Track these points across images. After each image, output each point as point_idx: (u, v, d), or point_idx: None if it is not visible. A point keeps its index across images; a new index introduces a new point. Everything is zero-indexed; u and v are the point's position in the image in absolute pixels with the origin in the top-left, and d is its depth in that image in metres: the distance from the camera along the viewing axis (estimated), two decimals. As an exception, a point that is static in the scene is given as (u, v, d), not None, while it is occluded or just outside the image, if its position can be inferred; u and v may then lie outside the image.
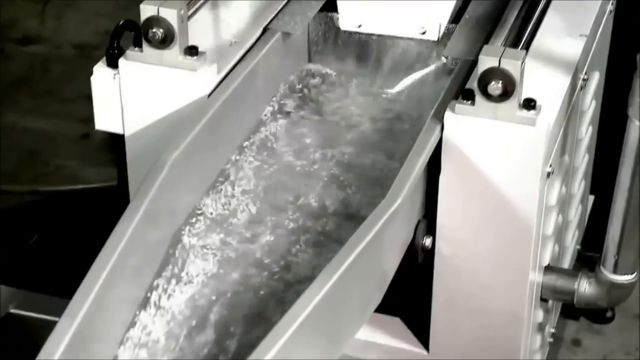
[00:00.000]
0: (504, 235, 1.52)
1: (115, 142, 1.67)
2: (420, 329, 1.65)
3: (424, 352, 1.64)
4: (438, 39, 1.69)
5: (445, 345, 1.62)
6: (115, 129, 1.63)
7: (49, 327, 1.25)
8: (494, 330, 1.58)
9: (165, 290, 1.36)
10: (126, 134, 1.62)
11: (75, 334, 1.21)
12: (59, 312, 1.25)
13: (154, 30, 1.51)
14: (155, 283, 1.36)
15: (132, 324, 1.32)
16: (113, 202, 1.97)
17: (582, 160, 1.78)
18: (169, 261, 1.39)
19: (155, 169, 1.40)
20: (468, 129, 1.47)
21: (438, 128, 1.48)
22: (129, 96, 1.58)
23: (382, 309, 1.47)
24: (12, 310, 1.46)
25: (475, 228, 1.52)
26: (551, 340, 1.79)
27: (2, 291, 1.49)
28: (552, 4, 1.67)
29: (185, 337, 1.32)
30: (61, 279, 1.70)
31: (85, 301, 1.24)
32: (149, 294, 1.35)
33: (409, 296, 1.64)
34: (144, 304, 1.34)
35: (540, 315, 1.65)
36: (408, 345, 1.65)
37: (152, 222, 1.37)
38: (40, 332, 1.38)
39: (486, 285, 1.55)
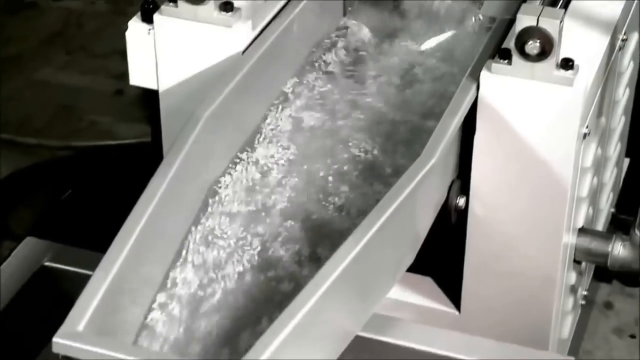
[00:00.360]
0: (538, 196, 1.51)
1: (149, 98, 1.67)
2: (452, 289, 1.65)
3: (455, 312, 1.64)
4: (475, -4, 1.68)
5: (476, 305, 1.61)
6: (150, 84, 1.63)
7: (83, 280, 1.26)
8: (526, 291, 1.58)
9: (199, 245, 1.36)
10: (160, 90, 1.62)
11: (110, 288, 1.22)
12: (92, 266, 1.26)
13: (187, -16, 1.51)
14: (189, 237, 1.37)
15: (167, 276, 1.32)
16: (146, 158, 1.97)
17: (619, 122, 1.76)
18: (203, 216, 1.39)
19: (189, 125, 1.39)
20: (504, 89, 1.46)
21: (474, 87, 1.47)
22: (163, 52, 1.58)
23: (414, 268, 1.47)
24: (46, 263, 1.47)
25: (509, 189, 1.52)
26: (583, 302, 1.78)
27: (36, 244, 1.50)
28: (592, -37, 1.65)
29: (221, 286, 1.32)
30: (95, 233, 1.70)
31: (119, 255, 1.25)
32: (183, 249, 1.36)
33: (441, 256, 1.64)
34: (177, 258, 1.35)
35: (573, 277, 1.65)
36: (439, 305, 1.65)
37: (186, 178, 1.37)
38: (74, 285, 1.39)
39: (519, 246, 1.55)
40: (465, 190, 1.53)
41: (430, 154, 1.38)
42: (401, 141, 1.53)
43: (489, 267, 1.58)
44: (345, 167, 1.49)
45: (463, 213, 1.55)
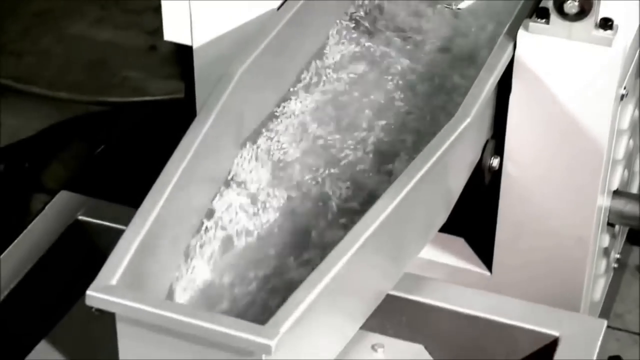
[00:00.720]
0: (573, 157, 1.50)
1: (183, 54, 1.67)
2: (484, 250, 1.64)
3: (487, 272, 1.63)
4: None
5: (508, 266, 1.61)
6: (184, 40, 1.62)
7: (116, 234, 1.27)
8: (559, 253, 1.57)
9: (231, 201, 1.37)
10: (194, 46, 1.61)
11: (143, 242, 1.22)
12: (126, 221, 1.26)
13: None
14: (221, 193, 1.37)
15: (200, 230, 1.33)
16: (179, 114, 1.98)
17: (657, 83, 1.74)
18: (237, 170, 1.39)
19: (223, 82, 1.39)
20: (541, 48, 1.44)
21: (510, 46, 1.46)
22: (198, 7, 1.57)
23: (446, 228, 1.47)
24: (80, 217, 1.48)
25: (544, 149, 1.51)
26: (616, 265, 1.77)
27: (70, 198, 1.50)
28: None
29: (256, 239, 1.33)
30: (128, 188, 1.71)
31: (152, 209, 1.25)
32: (215, 205, 1.36)
33: (473, 217, 1.63)
34: (210, 214, 1.35)
35: (606, 240, 1.64)
36: (471, 265, 1.64)
37: (219, 135, 1.36)
38: (107, 240, 1.40)
39: (553, 207, 1.54)
40: (499, 150, 1.52)
41: (465, 113, 1.37)
42: (439, 102, 1.52)
43: (522, 228, 1.57)
44: (383, 123, 1.48)
45: (497, 174, 1.54)
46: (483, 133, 1.49)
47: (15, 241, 1.45)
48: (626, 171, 1.66)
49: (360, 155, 1.44)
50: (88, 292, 1.17)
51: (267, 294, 1.28)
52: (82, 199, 1.50)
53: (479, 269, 1.64)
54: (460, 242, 1.67)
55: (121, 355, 1.21)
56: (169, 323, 1.15)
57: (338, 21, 1.61)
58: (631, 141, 1.63)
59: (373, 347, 1.34)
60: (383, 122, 1.48)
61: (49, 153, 2.26)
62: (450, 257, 1.66)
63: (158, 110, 2.29)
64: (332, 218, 1.36)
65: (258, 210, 1.37)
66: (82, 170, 2.17)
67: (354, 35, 1.60)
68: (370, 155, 1.44)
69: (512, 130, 1.51)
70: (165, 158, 1.32)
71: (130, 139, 2.23)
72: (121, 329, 1.20)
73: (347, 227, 1.25)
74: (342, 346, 1.30)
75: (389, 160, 1.43)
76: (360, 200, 1.38)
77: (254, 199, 1.38)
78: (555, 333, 1.34)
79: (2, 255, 1.42)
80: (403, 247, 1.37)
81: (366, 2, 1.65)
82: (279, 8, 1.52)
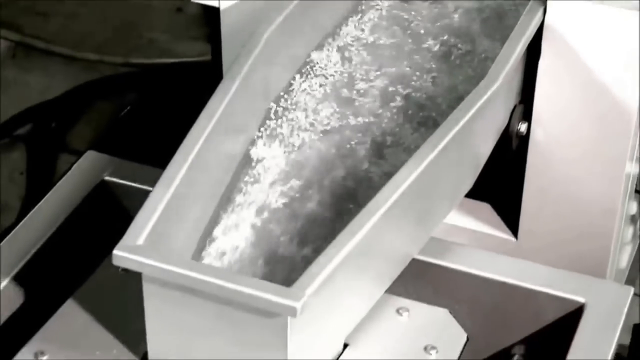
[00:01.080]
0: (602, 124, 1.49)
1: (210, 16, 1.66)
2: (510, 216, 1.64)
3: (513, 239, 1.63)
4: None
5: (534, 232, 1.60)
6: (211, 1, 1.62)
7: (143, 195, 1.27)
8: (586, 220, 1.56)
9: (261, 160, 1.36)
10: (221, 7, 1.60)
11: (170, 203, 1.23)
12: (152, 181, 1.26)
13: None
14: (249, 154, 1.37)
15: (227, 191, 1.33)
16: (206, 76, 1.97)
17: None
18: (265, 129, 1.39)
19: (251, 44, 1.39)
20: (572, 13, 1.43)
21: (540, 10, 1.45)
22: (226, -32, 1.57)
23: (472, 194, 1.46)
24: (106, 178, 1.48)
25: (573, 115, 1.50)
26: (642, 233, 1.77)
27: (96, 158, 1.50)
28: None
29: (285, 200, 1.33)
30: (154, 149, 1.71)
31: (179, 171, 1.25)
32: (243, 166, 1.35)
33: (500, 182, 1.63)
34: (237, 175, 1.35)
35: (634, 207, 1.63)
36: (497, 231, 1.64)
37: (246, 97, 1.36)
38: (133, 200, 1.40)
39: (581, 174, 1.53)
40: (527, 116, 1.52)
41: (494, 78, 1.36)
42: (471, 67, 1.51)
43: (549, 194, 1.57)
44: (415, 84, 1.47)
45: (524, 139, 1.53)
46: (511, 98, 1.48)
47: (42, 201, 1.45)
48: (655, 138, 1.65)
49: (393, 115, 1.43)
50: (115, 251, 1.17)
51: (294, 256, 1.28)
52: (109, 160, 1.50)
53: (504, 234, 1.64)
54: (486, 208, 1.67)
55: (147, 315, 1.22)
56: (195, 284, 1.15)
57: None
58: (661, 108, 1.62)
59: (398, 311, 1.34)
60: (415, 83, 1.47)
61: (76, 114, 2.27)
62: (476, 222, 1.65)
63: (185, 73, 2.29)
64: (364, 177, 1.36)
65: (287, 168, 1.36)
66: (108, 132, 2.18)
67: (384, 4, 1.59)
68: (403, 115, 1.43)
69: (541, 95, 1.50)
70: (192, 120, 1.32)
71: (156, 100, 2.23)
72: (147, 289, 1.20)
73: (378, 188, 1.25)
74: (367, 309, 1.30)
75: (423, 122, 1.42)
76: (392, 161, 1.37)
77: (283, 158, 1.37)
78: (581, 300, 1.34)
79: (28, 215, 1.43)
80: (430, 211, 1.36)
81: None
82: (307, -31, 1.51)
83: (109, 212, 1.47)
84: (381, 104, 1.45)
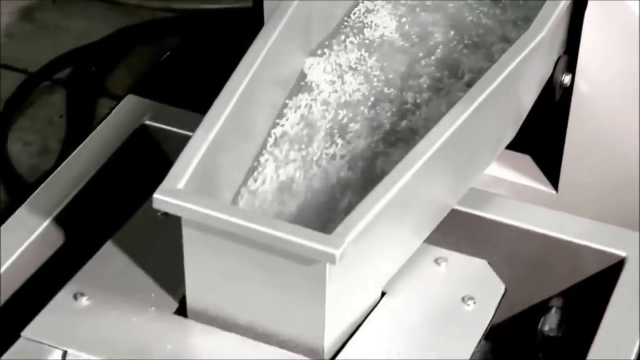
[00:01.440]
0: (647, 76, 1.47)
1: (251, -38, 1.65)
2: (551, 168, 1.62)
3: (553, 191, 1.62)
4: None
5: (575, 185, 1.59)
6: (252, -53, 1.61)
7: (182, 140, 1.27)
8: (627, 173, 1.55)
9: (300, 107, 1.35)
10: (264, -47, 1.59)
11: (210, 148, 1.22)
12: (192, 126, 1.26)
13: None
14: (291, 99, 1.36)
15: (267, 137, 1.32)
16: (247, 24, 1.96)
17: None
18: (306, 76, 1.38)
19: (292, -10, 1.38)
20: (620, -37, 1.41)
21: (588, -40, 1.43)
22: None
23: (513, 145, 1.45)
24: (146, 122, 1.48)
25: (618, 67, 1.48)
26: (684, 189, 1.75)
27: (136, 102, 1.50)
28: None
29: (325, 147, 1.32)
30: (193, 95, 1.71)
31: (220, 116, 1.25)
32: (283, 112, 1.35)
33: (541, 134, 1.61)
34: (278, 121, 1.34)
35: (677, 161, 1.61)
36: (537, 183, 1.63)
37: (287, 45, 1.35)
38: (173, 145, 1.40)
39: (624, 126, 1.51)
40: (571, 67, 1.50)
41: (539, 28, 1.34)
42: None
43: (591, 146, 1.55)
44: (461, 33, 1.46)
45: (568, 91, 1.51)
46: (556, 49, 1.47)
47: (82, 144, 1.45)
48: (700, 93, 1.63)
49: (437, 64, 1.42)
50: (155, 195, 1.17)
51: (335, 205, 1.28)
52: (149, 104, 1.50)
53: (544, 187, 1.62)
54: (526, 160, 1.65)
55: (186, 259, 1.22)
56: (235, 228, 1.15)
57: None
58: None
59: (436, 261, 1.34)
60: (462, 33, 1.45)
61: (116, 58, 2.26)
62: (516, 174, 1.64)
63: (225, 19, 2.28)
64: (406, 125, 1.35)
65: (329, 114, 1.36)
66: (148, 77, 2.18)
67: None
68: (446, 66, 1.41)
69: (586, 46, 1.48)
70: (232, 66, 1.31)
71: (196, 46, 2.22)
72: (187, 233, 1.20)
73: (420, 135, 1.24)
74: (406, 259, 1.30)
75: (464, 72, 1.41)
76: (436, 109, 1.36)
77: (324, 104, 1.36)
78: (622, 253, 1.33)
79: (69, 158, 1.43)
80: (470, 162, 1.35)
81: None
82: None
83: (149, 156, 1.47)
84: (425, 51, 1.43)
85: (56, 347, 1.21)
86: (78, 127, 2.11)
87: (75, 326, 1.24)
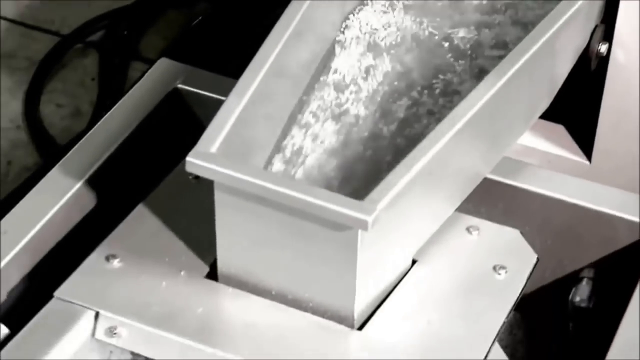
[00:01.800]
0: (685, 46, 1.45)
1: None
2: (585, 139, 1.61)
3: (586, 161, 1.60)
4: None
5: (608, 155, 1.58)
6: None
7: (215, 104, 1.27)
8: (662, 144, 1.54)
9: (336, 71, 1.35)
10: None
11: (243, 112, 1.22)
12: (225, 91, 1.26)
13: None
14: (327, 63, 1.35)
15: (301, 102, 1.32)
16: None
17: None
18: (343, 37, 1.38)
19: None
20: None
21: None
22: None
23: (547, 115, 1.44)
24: (179, 85, 1.48)
25: (655, 37, 1.46)
26: None
27: (169, 65, 1.50)
28: None
29: (360, 111, 1.32)
30: (227, 59, 1.71)
31: (253, 80, 1.24)
32: (319, 75, 1.34)
33: (575, 104, 1.60)
34: (312, 85, 1.34)
35: None
36: (570, 154, 1.62)
37: (322, 8, 1.35)
38: (206, 109, 1.40)
39: (660, 97, 1.50)
40: (608, 36, 1.48)
41: (576, -4, 1.33)
42: None
43: (626, 116, 1.54)
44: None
45: (604, 60, 1.50)
46: (593, 18, 1.45)
47: (115, 106, 1.45)
48: None
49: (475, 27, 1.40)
50: (188, 158, 1.17)
51: (368, 170, 1.27)
52: (182, 67, 1.50)
53: (578, 157, 1.61)
54: (560, 130, 1.64)
55: (217, 223, 1.22)
56: (267, 193, 1.15)
57: None
58: None
59: (468, 230, 1.33)
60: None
61: (149, 21, 2.26)
62: (549, 144, 1.63)
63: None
64: (443, 87, 1.34)
65: (366, 76, 1.35)
66: (181, 41, 2.17)
67: None
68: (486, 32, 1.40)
69: (624, 15, 1.46)
70: (265, 31, 1.30)
71: (229, 10, 2.21)
72: (219, 197, 1.20)
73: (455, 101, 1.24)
74: (437, 227, 1.30)
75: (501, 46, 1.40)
76: (469, 71, 1.35)
77: (360, 67, 1.36)
78: (655, 225, 1.32)
79: (101, 121, 1.43)
80: (504, 131, 1.35)
81: None
82: None
83: (181, 120, 1.47)
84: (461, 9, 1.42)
85: (88, 308, 1.22)
86: (110, 90, 2.11)
87: (107, 288, 1.24)
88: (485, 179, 1.35)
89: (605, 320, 1.32)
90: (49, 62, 2.15)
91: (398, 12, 1.41)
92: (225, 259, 1.24)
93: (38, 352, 1.18)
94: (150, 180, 1.38)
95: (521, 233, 1.35)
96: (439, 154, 1.20)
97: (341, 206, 1.12)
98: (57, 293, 1.24)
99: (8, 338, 1.21)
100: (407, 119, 1.31)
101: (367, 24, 1.39)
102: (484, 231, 1.34)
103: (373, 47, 1.38)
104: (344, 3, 1.40)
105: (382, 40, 1.38)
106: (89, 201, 1.36)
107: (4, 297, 1.26)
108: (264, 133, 1.28)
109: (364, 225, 1.12)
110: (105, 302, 1.23)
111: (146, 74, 1.50)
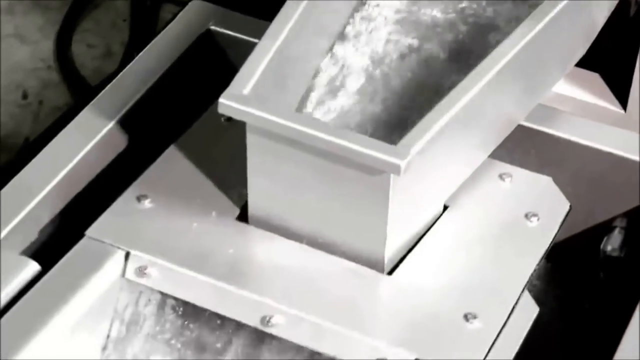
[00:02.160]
0: None
1: None
2: (620, 87, 1.59)
3: (621, 110, 1.59)
4: None
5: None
6: None
7: (248, 46, 1.26)
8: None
9: (366, 19, 1.34)
10: None
11: (276, 55, 1.21)
12: (258, 33, 1.25)
13: None
14: (360, 6, 1.34)
15: (333, 47, 1.31)
16: None
17: None
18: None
19: None
20: None
21: None
22: None
23: (582, 63, 1.43)
24: (211, 27, 1.47)
25: (695, -15, 1.44)
26: None
27: (202, 7, 1.49)
28: None
29: (392, 59, 1.31)
30: (260, 1, 1.69)
31: (286, 23, 1.23)
32: (349, 23, 1.33)
33: (612, 52, 1.58)
34: (344, 32, 1.32)
35: None
36: (605, 102, 1.60)
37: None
38: (238, 51, 1.39)
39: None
40: (647, -17, 1.46)
41: (616, -58, 1.31)
42: None
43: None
44: None
45: (643, 7, 1.48)
46: (632, -36, 1.43)
47: (147, 47, 1.45)
48: None
49: None
50: (220, 99, 1.17)
51: (401, 115, 1.26)
52: (214, 9, 1.49)
53: (612, 106, 1.59)
54: (595, 78, 1.62)
55: (249, 166, 1.22)
56: (300, 136, 1.14)
57: None
58: None
59: (500, 176, 1.33)
60: None
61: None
62: (584, 92, 1.61)
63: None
64: (481, 39, 1.32)
65: (400, 27, 1.33)
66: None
67: None
68: None
69: (663, -38, 1.44)
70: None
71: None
72: (251, 139, 1.20)
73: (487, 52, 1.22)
74: (470, 173, 1.29)
75: None
76: (501, 21, 1.33)
77: (397, 12, 1.34)
78: (691, 175, 1.31)
79: (133, 62, 1.43)
80: (539, 77, 1.33)
81: None
82: None
83: (213, 62, 1.46)
84: None
85: (119, 247, 1.22)
86: (141, 31, 2.10)
87: (137, 228, 1.24)
88: (519, 126, 1.34)
89: (636, 270, 1.32)
90: (82, 2, 2.15)
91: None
92: (256, 202, 1.24)
93: (68, 290, 1.19)
94: (182, 122, 1.38)
95: (554, 180, 1.34)
96: (473, 99, 1.19)
97: (374, 150, 1.12)
98: (88, 232, 1.24)
99: (39, 275, 1.22)
100: (445, 64, 1.30)
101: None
102: (517, 178, 1.33)
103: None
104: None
105: None
106: (121, 142, 1.36)
107: (35, 235, 1.27)
108: (298, 76, 1.27)
109: (396, 169, 1.12)
110: (135, 242, 1.23)
111: (178, 16, 1.49)
